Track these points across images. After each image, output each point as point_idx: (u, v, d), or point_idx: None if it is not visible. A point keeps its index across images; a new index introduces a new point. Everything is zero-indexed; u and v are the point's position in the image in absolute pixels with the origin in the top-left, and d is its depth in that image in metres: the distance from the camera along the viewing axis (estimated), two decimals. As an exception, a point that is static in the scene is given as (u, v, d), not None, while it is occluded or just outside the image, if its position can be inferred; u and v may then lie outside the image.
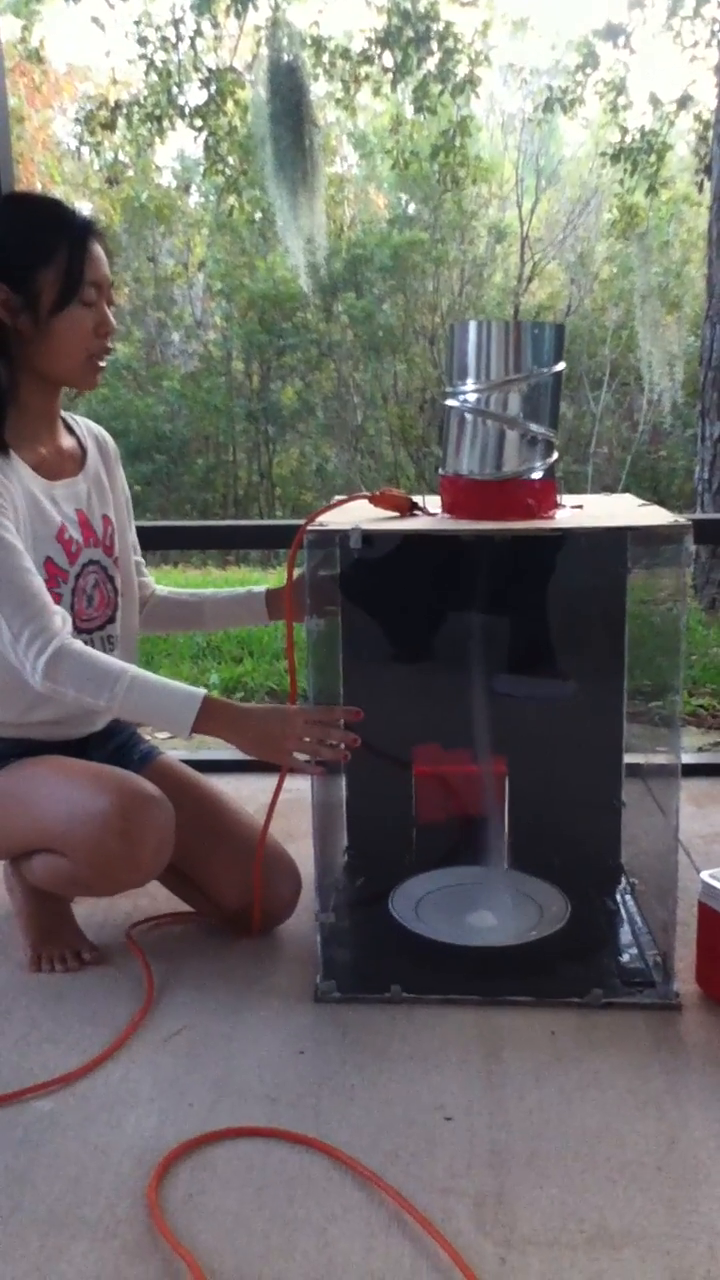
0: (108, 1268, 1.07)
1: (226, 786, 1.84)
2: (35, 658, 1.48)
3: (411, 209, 10.76)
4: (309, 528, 1.48)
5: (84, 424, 1.79)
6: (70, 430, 1.75)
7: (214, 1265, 1.07)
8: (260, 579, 7.06)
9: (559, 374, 1.56)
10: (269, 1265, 1.07)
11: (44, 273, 1.54)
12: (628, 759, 1.91)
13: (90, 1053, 1.43)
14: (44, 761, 1.63)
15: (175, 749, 2.42)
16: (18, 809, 1.61)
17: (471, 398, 1.54)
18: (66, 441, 1.72)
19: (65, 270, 1.54)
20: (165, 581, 1.97)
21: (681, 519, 1.46)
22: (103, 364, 1.63)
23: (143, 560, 1.88)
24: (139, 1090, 1.36)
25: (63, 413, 1.74)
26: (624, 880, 1.88)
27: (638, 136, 7.54)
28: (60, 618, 1.52)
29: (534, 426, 1.53)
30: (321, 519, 1.53)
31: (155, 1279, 1.06)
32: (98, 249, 1.58)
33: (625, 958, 1.64)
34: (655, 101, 7.68)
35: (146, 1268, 1.07)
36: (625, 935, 1.71)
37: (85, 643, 1.69)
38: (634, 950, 1.66)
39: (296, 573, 1.59)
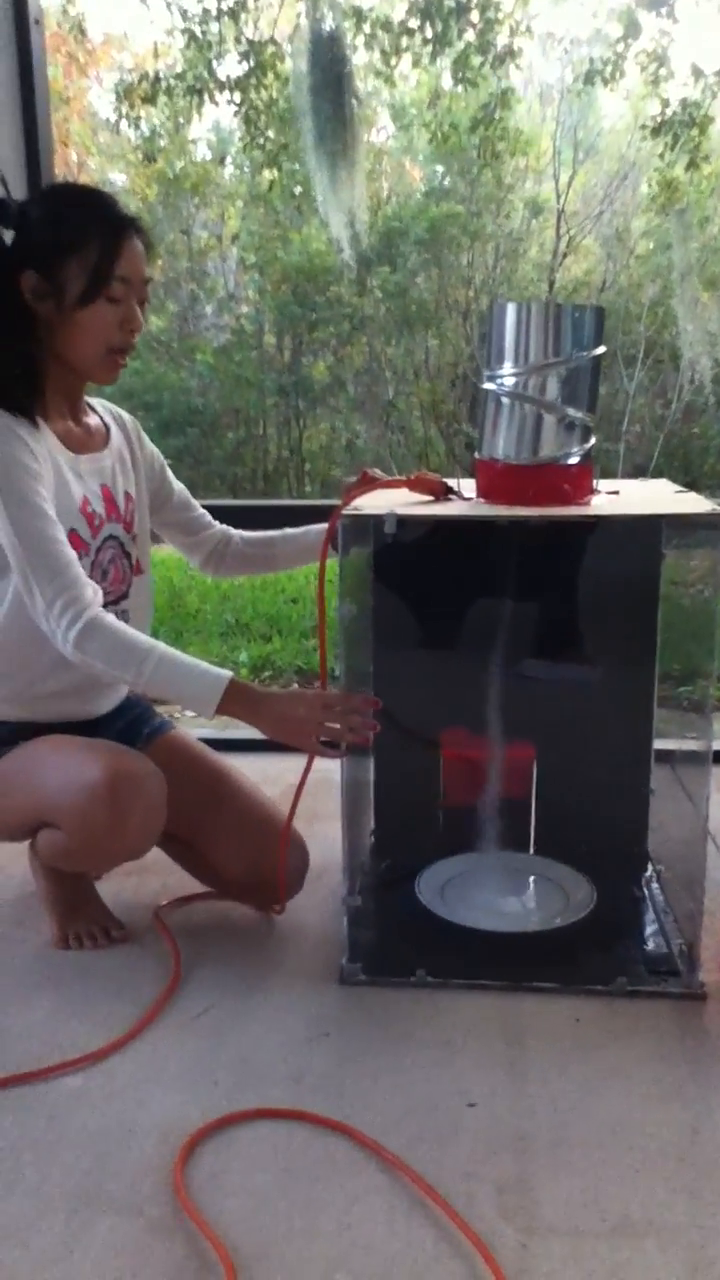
0: (133, 1244, 1.09)
1: (254, 765, 1.85)
2: (67, 628, 1.49)
3: (447, 182, 10.62)
4: (343, 512, 1.47)
5: (100, 404, 1.79)
6: (93, 411, 1.76)
7: (238, 1244, 1.08)
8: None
9: (598, 358, 1.54)
10: (291, 1245, 1.09)
11: (72, 263, 1.53)
12: (657, 745, 1.90)
13: (117, 1030, 1.45)
14: (45, 740, 1.65)
15: (202, 728, 2.43)
16: (20, 787, 1.63)
17: (509, 381, 1.52)
18: (92, 420, 1.73)
19: (94, 264, 1.53)
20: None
21: (719, 508, 1.44)
22: (124, 360, 1.62)
23: (204, 511, 1.91)
24: (165, 1068, 1.37)
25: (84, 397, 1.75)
26: (650, 868, 1.87)
27: (679, 109, 7.40)
28: (92, 589, 1.54)
29: (572, 411, 1.52)
30: (356, 503, 1.53)
31: (180, 1257, 1.07)
32: (133, 245, 1.56)
33: (650, 946, 1.64)
34: (697, 73, 7.54)
35: (171, 1245, 1.09)
36: (650, 923, 1.71)
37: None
38: (659, 939, 1.66)
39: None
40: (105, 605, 1.67)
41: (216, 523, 1.92)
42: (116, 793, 1.52)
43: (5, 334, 1.57)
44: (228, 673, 1.52)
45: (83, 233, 1.53)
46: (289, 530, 1.90)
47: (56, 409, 1.65)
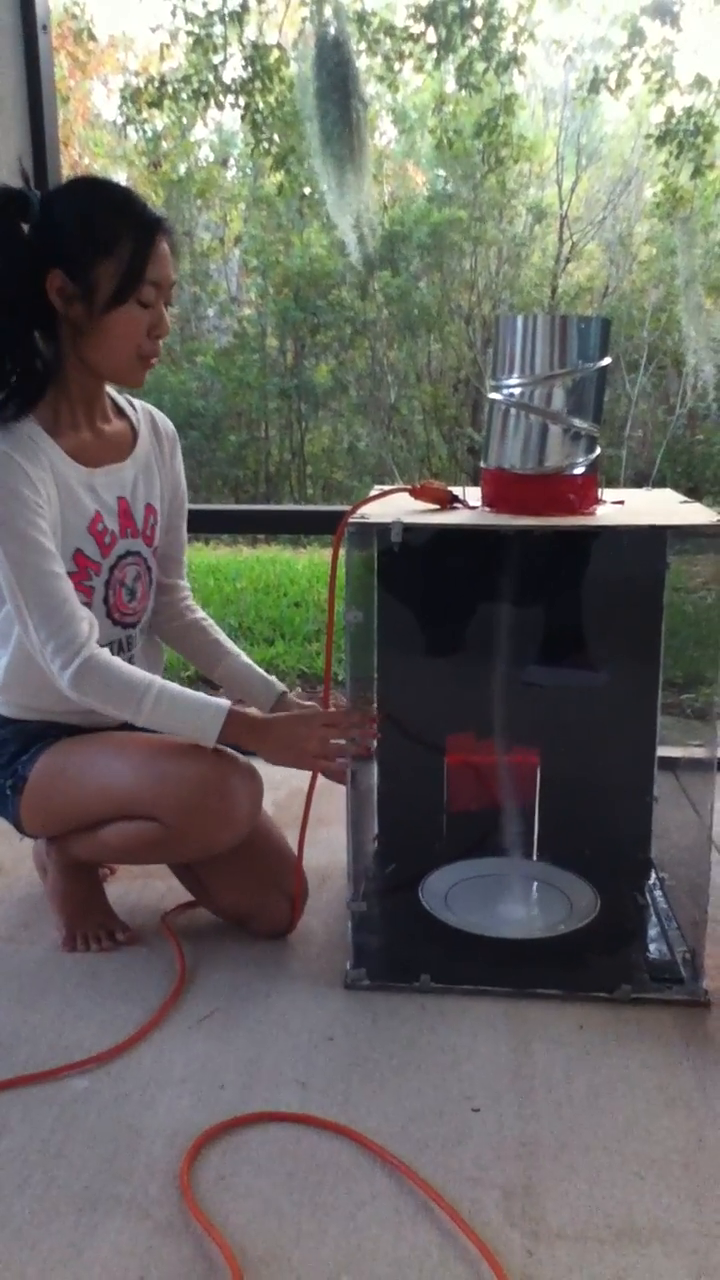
0: (140, 1246, 1.10)
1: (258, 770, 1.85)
2: (62, 669, 1.48)
3: (450, 186, 10.65)
4: (350, 520, 1.48)
5: (141, 407, 1.74)
6: (122, 413, 1.71)
7: (245, 1247, 1.09)
8: (290, 559, 7.06)
9: (604, 369, 1.55)
10: (299, 1249, 1.09)
11: (104, 265, 1.48)
12: (661, 752, 1.91)
13: (124, 1032, 1.46)
14: (114, 735, 1.63)
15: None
16: (91, 778, 1.60)
17: (515, 391, 1.53)
18: (115, 425, 1.68)
19: (126, 266, 1.48)
20: (194, 560, 1.94)
21: (724, 518, 1.45)
22: (153, 363, 1.58)
23: (185, 562, 1.84)
24: (171, 1071, 1.38)
25: (116, 394, 1.70)
26: (654, 874, 1.88)
27: (684, 117, 7.42)
28: (88, 624, 1.51)
29: (577, 421, 1.53)
30: (362, 511, 1.54)
31: (188, 1259, 1.08)
32: (164, 248, 1.52)
33: (654, 953, 1.65)
34: (701, 82, 7.57)
35: (179, 1248, 1.09)
36: (654, 931, 1.72)
37: (129, 637, 1.70)
38: (663, 946, 1.66)
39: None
40: (131, 625, 1.65)
41: (187, 585, 1.85)
42: (226, 780, 1.53)
43: (25, 331, 1.52)
44: (226, 702, 1.53)
45: (115, 233, 1.48)
46: (245, 660, 1.82)
47: (72, 418, 1.60)
